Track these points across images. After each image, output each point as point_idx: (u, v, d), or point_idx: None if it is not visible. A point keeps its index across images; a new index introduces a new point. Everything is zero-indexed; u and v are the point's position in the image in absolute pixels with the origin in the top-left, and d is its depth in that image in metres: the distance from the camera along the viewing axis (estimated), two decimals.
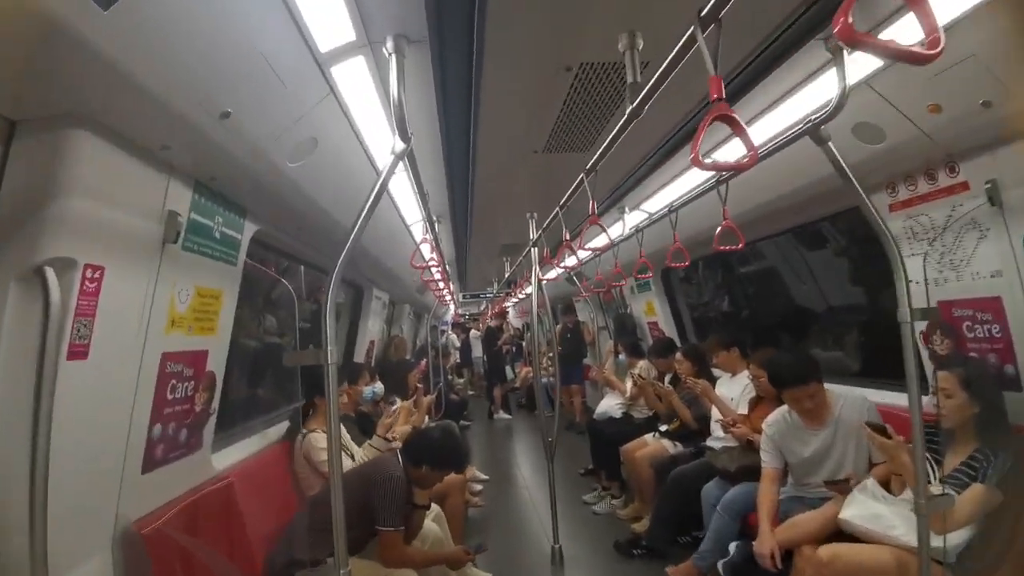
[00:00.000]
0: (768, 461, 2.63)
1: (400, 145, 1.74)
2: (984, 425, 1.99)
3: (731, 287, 5.38)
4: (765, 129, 2.21)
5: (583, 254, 3.99)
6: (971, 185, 2.07)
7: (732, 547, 2.50)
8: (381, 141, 2.33)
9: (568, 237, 2.86)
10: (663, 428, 4.06)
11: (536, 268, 3.62)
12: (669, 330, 5.32)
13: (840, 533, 2.16)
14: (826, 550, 2.01)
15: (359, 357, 5.26)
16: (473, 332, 11.10)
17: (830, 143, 1.69)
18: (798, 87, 1.99)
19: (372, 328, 5.55)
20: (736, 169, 1.52)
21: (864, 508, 2.13)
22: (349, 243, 1.61)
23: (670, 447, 3.88)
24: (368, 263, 4.46)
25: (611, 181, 3.31)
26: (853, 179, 1.72)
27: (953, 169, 2.11)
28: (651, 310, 5.59)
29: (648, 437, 4.10)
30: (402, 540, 2.30)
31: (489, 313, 10.96)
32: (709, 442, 3.58)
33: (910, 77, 1.77)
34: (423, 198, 2.67)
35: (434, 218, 3.46)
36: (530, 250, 3.65)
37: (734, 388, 3.58)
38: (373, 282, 5.39)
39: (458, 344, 10.90)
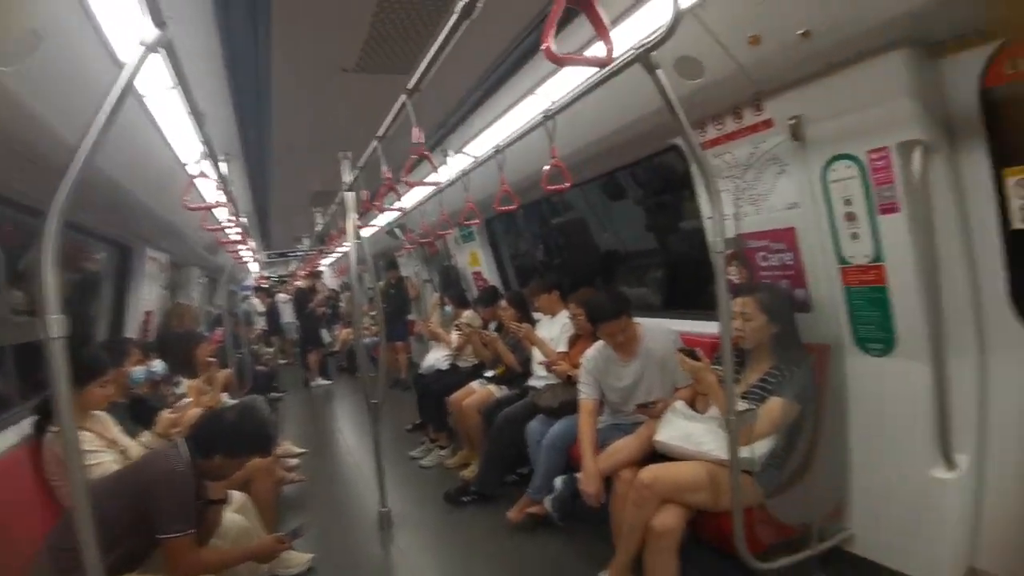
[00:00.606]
0: (586, 393, 2.75)
1: (152, 32, 1.30)
2: (780, 344, 2.22)
3: (546, 237, 5.58)
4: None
5: (407, 198, 3.71)
6: (775, 122, 2.21)
7: (558, 482, 2.58)
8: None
9: (390, 175, 2.56)
10: (489, 374, 4.08)
11: (353, 217, 3.24)
12: (493, 279, 5.35)
13: (655, 455, 2.31)
14: (647, 472, 2.13)
15: (132, 332, 4.35)
16: (281, 296, 10.10)
17: (659, 71, 1.68)
18: (630, 11, 1.93)
19: (147, 296, 4.61)
20: (593, 65, 1.41)
21: (676, 428, 2.30)
22: (77, 166, 1.19)
23: (496, 392, 3.92)
24: (136, 215, 3.60)
25: (434, 118, 3.07)
26: (680, 111, 1.72)
27: (759, 107, 2.24)
28: (475, 260, 5.56)
29: (474, 384, 4.10)
30: (193, 544, 1.89)
31: (300, 274, 10.05)
32: (532, 382, 3.68)
33: (736, 6, 1.80)
34: (197, 118, 2.14)
35: (218, 154, 2.85)
36: (344, 195, 3.25)
37: (554, 328, 3.70)
38: (145, 240, 4.43)
39: (262, 310, 9.84)
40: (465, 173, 3.33)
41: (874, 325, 2.09)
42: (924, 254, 1.89)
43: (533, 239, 5.77)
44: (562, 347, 3.53)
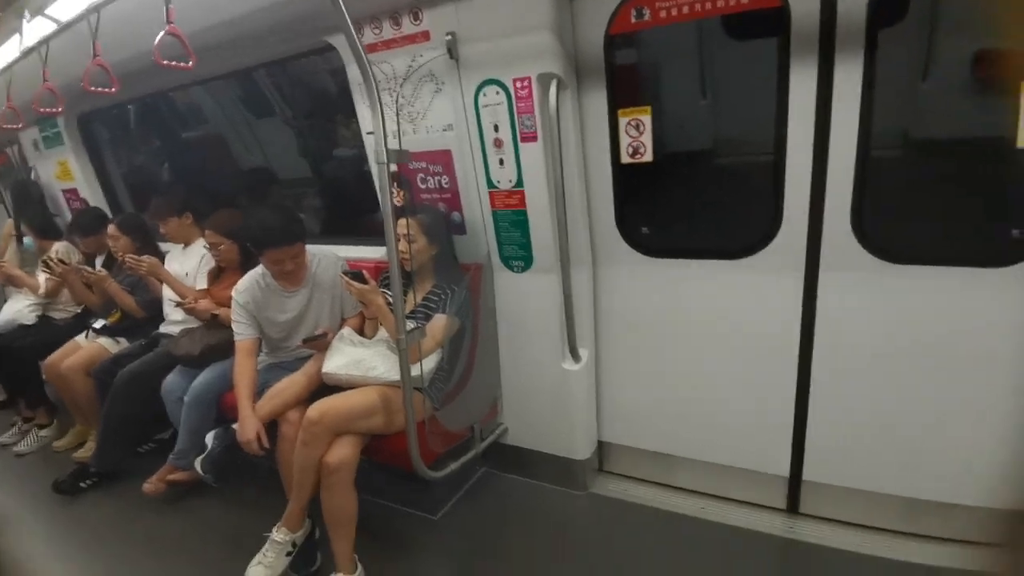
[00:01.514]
0: (243, 332, 2.36)
1: None
2: (440, 265, 2.27)
3: (174, 155, 4.50)
4: None
5: None
6: (432, 35, 2.12)
7: (209, 438, 2.18)
8: None
9: None
10: (98, 324, 3.19)
11: None
12: (96, 199, 4.08)
13: (325, 391, 2.16)
14: (315, 408, 1.97)
15: None
16: None
17: None
18: None
19: None
20: None
21: (345, 356, 2.18)
22: None
23: (111, 346, 3.11)
24: None
25: None
26: (341, 2, 1.47)
27: (417, 16, 2.12)
28: (67, 173, 4.12)
29: (80, 339, 3.18)
30: None
31: None
32: (164, 328, 3.06)
33: None
34: None
35: None
36: None
37: (188, 261, 3.07)
38: None
39: None
40: (44, 42, 2.32)
41: (516, 245, 2.33)
42: (556, 182, 2.14)
43: (155, 154, 4.58)
44: (202, 283, 2.96)
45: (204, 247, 2.96)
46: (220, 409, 2.54)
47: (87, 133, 3.97)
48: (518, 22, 1.97)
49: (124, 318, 3.15)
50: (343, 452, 1.94)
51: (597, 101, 2.13)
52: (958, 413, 1.88)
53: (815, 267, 1.96)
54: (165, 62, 1.87)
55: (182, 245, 3.15)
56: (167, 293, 3.01)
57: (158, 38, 1.79)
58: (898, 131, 1.85)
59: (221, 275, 2.91)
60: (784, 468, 2.21)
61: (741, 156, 2.11)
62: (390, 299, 2.11)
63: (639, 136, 2.11)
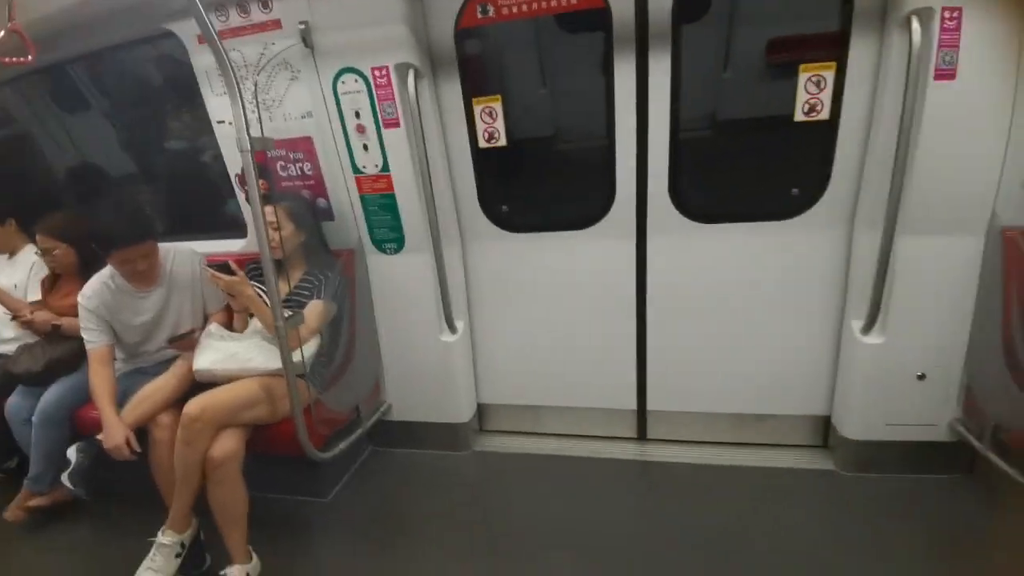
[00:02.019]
0: (96, 340, 2.20)
1: None
2: (309, 251, 2.30)
3: None
4: None
5: None
6: (283, 24, 2.13)
7: (71, 452, 2.03)
8: None
9: None
10: None
11: None
12: None
13: (195, 390, 2.10)
14: (193, 404, 1.93)
15: None
16: None
17: None
18: None
19: None
20: None
21: (218, 351, 2.15)
22: None
23: None
24: None
25: None
26: None
27: (267, 4, 2.12)
28: None
29: None
30: None
31: None
32: None
33: None
34: None
35: None
36: None
37: (17, 272, 2.77)
38: None
39: None
40: None
41: (387, 228, 2.44)
42: (421, 166, 2.28)
43: None
44: (34, 295, 2.69)
45: (35, 255, 2.70)
46: (74, 426, 2.37)
47: None
48: (372, 13, 2.06)
49: None
50: (228, 445, 1.94)
51: (453, 90, 2.30)
52: (764, 338, 2.37)
53: (644, 232, 2.34)
54: (6, 60, 1.70)
55: (6, 255, 2.83)
56: None
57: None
58: (703, 114, 2.24)
59: (57, 283, 2.67)
60: (632, 403, 2.62)
61: (579, 141, 2.42)
62: (259, 289, 2.12)
63: (493, 123, 2.32)
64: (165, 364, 2.33)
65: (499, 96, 2.29)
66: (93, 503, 2.27)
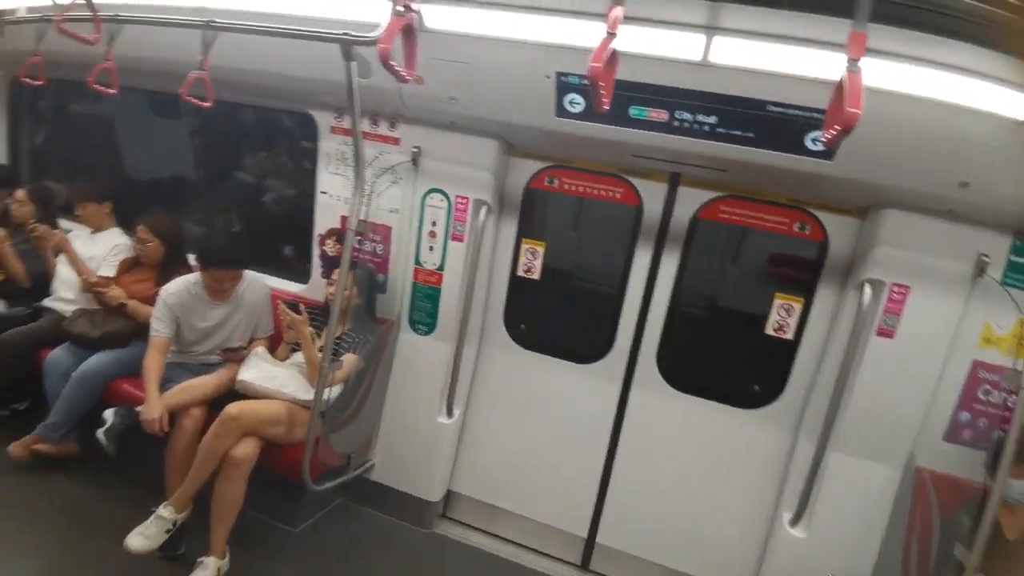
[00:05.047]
0: (161, 330, 2.59)
1: None
2: (360, 313, 2.76)
3: (102, 134, 4.29)
4: None
5: None
6: (401, 142, 2.78)
7: (109, 415, 2.33)
8: None
9: None
10: None
11: None
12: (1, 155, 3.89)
13: (227, 397, 2.45)
14: (235, 406, 2.28)
15: None
16: None
17: (355, 63, 1.97)
18: None
19: None
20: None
21: (260, 371, 2.53)
22: None
23: None
24: None
25: None
26: (358, 99, 2.07)
27: (394, 125, 2.78)
28: None
29: None
30: None
31: None
32: (48, 303, 3.05)
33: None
34: None
35: None
36: None
37: (97, 246, 3.15)
38: None
39: None
40: None
41: (425, 313, 2.91)
42: (469, 275, 2.79)
43: (76, 133, 4.32)
44: (107, 271, 3.06)
45: (120, 237, 3.11)
46: (104, 395, 2.66)
47: (17, 95, 3.86)
48: (471, 157, 2.69)
49: (6, 281, 3.07)
50: (248, 449, 2.26)
51: (509, 228, 2.89)
52: (710, 505, 2.70)
53: (629, 382, 2.81)
54: (191, 98, 2.27)
55: (92, 229, 3.22)
56: (63, 272, 3.04)
57: (194, 75, 2.23)
58: (698, 300, 2.78)
59: (133, 268, 3.05)
60: (584, 530, 2.92)
61: (598, 283, 2.94)
62: (310, 331, 2.54)
63: (533, 260, 2.88)
64: (206, 366, 2.70)
65: (544, 243, 2.87)
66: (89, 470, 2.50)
